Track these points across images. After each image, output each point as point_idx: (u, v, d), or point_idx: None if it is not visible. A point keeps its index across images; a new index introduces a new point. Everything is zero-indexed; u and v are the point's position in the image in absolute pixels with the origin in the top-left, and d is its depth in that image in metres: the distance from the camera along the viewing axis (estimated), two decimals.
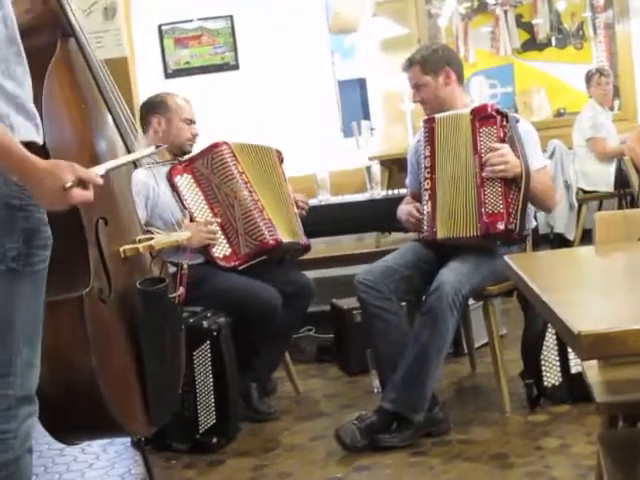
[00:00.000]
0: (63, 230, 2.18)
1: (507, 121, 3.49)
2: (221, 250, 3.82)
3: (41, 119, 2.08)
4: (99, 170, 2.16)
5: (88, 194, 2.04)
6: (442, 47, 3.93)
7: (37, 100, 2.17)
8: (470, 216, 3.50)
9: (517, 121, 3.55)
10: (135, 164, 2.80)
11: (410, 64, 3.79)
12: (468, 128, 3.53)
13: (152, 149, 2.56)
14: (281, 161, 4.14)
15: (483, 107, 3.57)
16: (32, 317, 2.03)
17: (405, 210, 3.83)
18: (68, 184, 1.94)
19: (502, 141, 3.47)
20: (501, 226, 3.43)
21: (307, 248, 4.13)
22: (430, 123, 3.67)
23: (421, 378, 3.35)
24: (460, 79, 3.80)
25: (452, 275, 3.38)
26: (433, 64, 3.74)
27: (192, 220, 3.78)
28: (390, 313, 3.50)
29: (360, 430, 3.33)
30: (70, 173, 1.97)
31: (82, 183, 2.01)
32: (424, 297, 3.49)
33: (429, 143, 3.65)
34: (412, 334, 3.42)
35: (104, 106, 2.64)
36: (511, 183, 3.44)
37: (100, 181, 2.11)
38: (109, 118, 2.66)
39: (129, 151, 2.70)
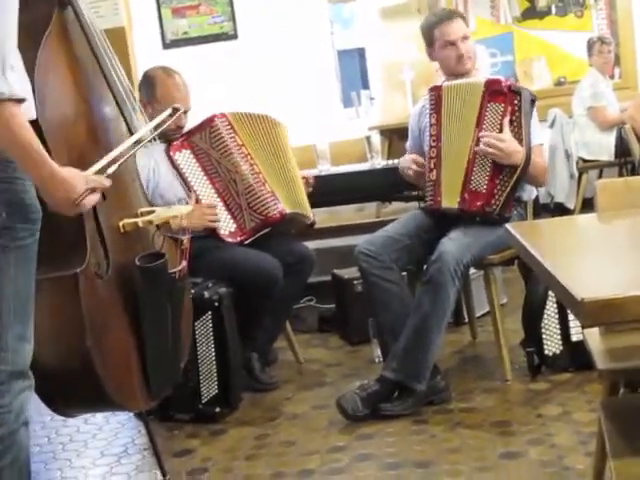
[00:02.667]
0: None
1: (520, 100, 3.43)
2: (226, 227, 3.81)
3: (34, 92, 2.07)
4: (109, 170, 2.27)
5: (95, 197, 2.17)
6: None
7: (31, 72, 2.16)
8: (456, 187, 3.51)
9: (533, 100, 3.48)
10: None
11: (453, 15, 3.78)
12: (478, 99, 3.50)
13: (150, 128, 2.58)
14: (283, 129, 4.09)
15: (497, 81, 3.52)
16: (22, 292, 2.02)
17: (408, 159, 3.82)
18: (79, 199, 2.08)
19: (510, 122, 3.43)
20: (478, 205, 3.46)
21: (312, 224, 4.12)
22: (437, 91, 3.64)
23: (422, 347, 3.36)
24: None
25: (453, 244, 3.38)
26: (467, 23, 3.76)
27: (197, 201, 3.75)
28: (391, 283, 3.51)
29: (362, 399, 3.35)
30: (83, 184, 2.09)
31: (91, 189, 2.13)
32: (425, 266, 3.49)
33: (435, 111, 3.63)
34: (413, 303, 3.42)
35: (102, 78, 2.60)
36: (504, 166, 3.44)
37: (108, 184, 2.24)
38: (107, 90, 2.62)
39: (127, 124, 2.67)
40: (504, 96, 3.45)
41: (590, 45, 6.68)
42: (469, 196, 3.49)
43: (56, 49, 2.44)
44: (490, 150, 3.41)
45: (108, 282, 2.47)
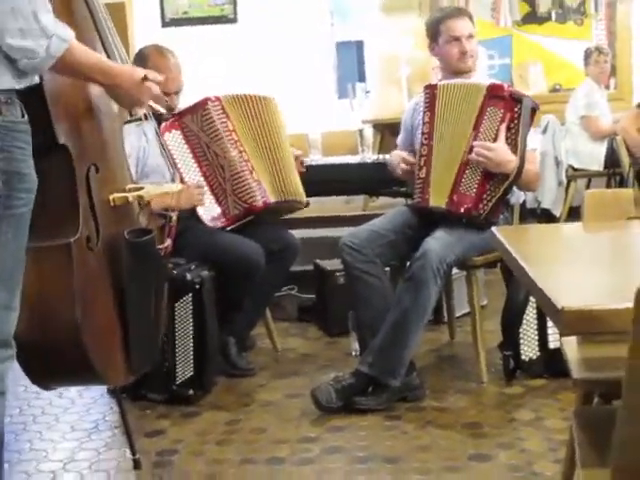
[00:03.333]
0: (54, 174, 2.17)
1: (520, 109, 3.41)
2: (210, 211, 3.81)
3: None
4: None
5: (154, 86, 2.44)
6: None
7: None
8: (447, 187, 3.51)
9: (534, 109, 3.47)
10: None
11: (461, 13, 3.79)
12: (478, 101, 3.49)
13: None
14: (275, 105, 4.06)
15: (499, 86, 3.51)
16: (11, 260, 2.01)
17: (398, 155, 3.81)
18: (144, 74, 2.38)
19: (507, 129, 3.41)
20: (465, 208, 3.46)
21: (305, 204, 4.11)
22: (432, 89, 3.63)
23: (400, 344, 3.37)
24: None
25: (438, 243, 3.39)
26: (473, 23, 3.75)
27: (182, 182, 3.74)
28: (373, 277, 3.51)
29: (336, 391, 3.35)
30: (138, 70, 2.41)
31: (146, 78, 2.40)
32: (408, 263, 3.49)
33: (429, 109, 3.62)
34: (394, 299, 3.43)
35: (102, 50, 2.60)
36: (496, 173, 3.44)
37: (161, 78, 2.51)
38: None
39: None
40: (505, 102, 3.44)
41: (587, 54, 6.69)
42: (457, 198, 3.49)
43: (60, 19, 2.44)
44: (480, 159, 3.41)
45: (98, 254, 2.47)
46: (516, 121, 3.42)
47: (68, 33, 2.02)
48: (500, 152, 3.39)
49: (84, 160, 2.43)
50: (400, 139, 4.00)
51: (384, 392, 3.38)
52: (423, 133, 3.62)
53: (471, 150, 3.45)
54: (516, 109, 3.42)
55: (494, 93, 3.47)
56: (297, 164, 4.09)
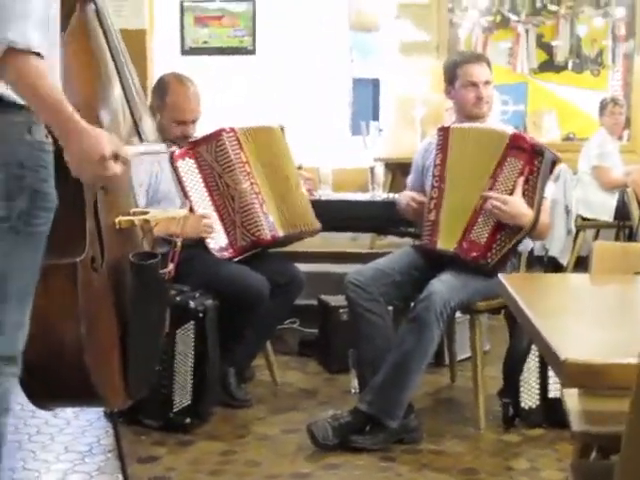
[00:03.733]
0: (63, 194, 2.17)
1: (541, 162, 3.40)
2: (217, 241, 3.81)
3: None
4: (129, 150, 2.22)
5: (119, 167, 2.07)
6: None
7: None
8: (457, 232, 3.51)
9: (554, 162, 3.44)
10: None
11: (479, 59, 3.80)
12: (499, 149, 3.48)
13: (164, 146, 2.60)
14: (284, 136, 4.09)
15: (522, 137, 3.51)
16: (27, 278, 2.03)
17: (407, 195, 3.81)
18: (107, 157, 1.99)
19: (525, 181, 3.40)
20: (473, 255, 3.46)
21: (317, 231, 4.11)
22: (445, 132, 3.64)
23: (400, 385, 3.35)
24: None
25: (443, 286, 3.38)
26: (491, 69, 3.77)
27: (191, 211, 3.75)
28: (377, 315, 3.50)
29: (333, 428, 3.33)
30: (109, 144, 2.02)
31: (115, 157, 2.05)
32: (412, 304, 3.48)
33: (441, 152, 3.62)
34: (396, 340, 3.42)
35: (116, 76, 2.63)
36: (509, 224, 3.44)
37: (129, 160, 2.17)
38: (119, 89, 2.64)
39: (136, 124, 2.68)
40: (526, 154, 3.42)
41: (603, 105, 6.71)
42: (467, 245, 3.48)
43: (76, 43, 2.48)
44: (495, 211, 3.41)
45: (102, 275, 2.48)
46: (535, 174, 3.41)
47: (29, 39, 1.86)
48: (515, 206, 3.38)
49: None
50: (410, 179, 4.01)
51: (381, 432, 3.36)
52: (434, 175, 3.62)
53: (486, 199, 3.45)
54: (536, 162, 3.40)
55: (516, 143, 3.45)
56: (306, 182, 4.10)
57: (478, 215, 3.49)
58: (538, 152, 3.42)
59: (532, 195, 3.40)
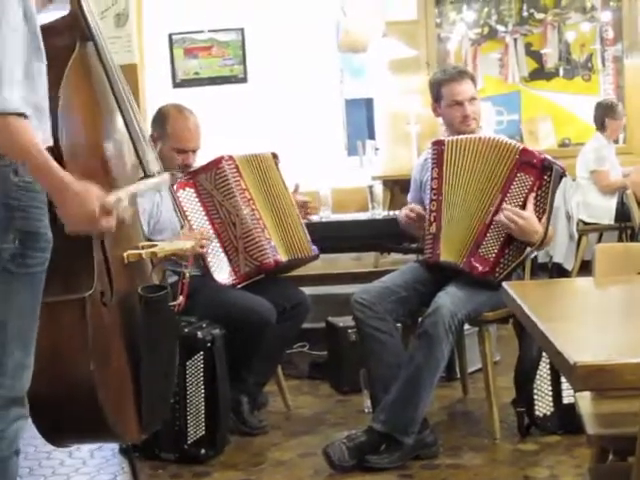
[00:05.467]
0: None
1: (550, 177, 3.39)
2: (220, 268, 3.81)
3: (56, 120, 2.10)
4: (121, 194, 2.24)
5: (112, 221, 2.11)
6: None
7: (53, 101, 2.20)
8: (463, 246, 3.51)
9: (562, 176, 3.43)
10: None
11: (461, 76, 3.77)
12: (508, 164, 3.46)
13: (167, 176, 2.61)
14: (277, 164, 4.11)
15: (532, 153, 3.47)
16: (26, 319, 2.03)
17: (405, 208, 3.82)
18: (97, 214, 2.03)
19: (535, 197, 3.38)
20: (481, 271, 3.46)
21: (315, 257, 4.12)
22: (440, 145, 3.64)
23: (413, 401, 3.34)
24: None
25: (449, 299, 3.38)
26: (475, 83, 3.76)
27: (190, 229, 3.76)
28: (385, 333, 3.50)
29: (349, 449, 3.32)
30: (97, 200, 2.05)
31: (107, 212, 2.08)
32: (420, 319, 3.48)
33: (437, 165, 3.62)
34: (406, 356, 3.41)
35: (118, 112, 2.64)
36: (517, 239, 3.44)
37: (126, 214, 2.23)
38: (122, 124, 2.66)
39: (139, 158, 2.69)
40: (536, 170, 3.40)
41: (611, 108, 6.65)
42: (475, 260, 3.47)
43: (77, 81, 2.50)
44: (511, 225, 3.39)
45: (111, 311, 2.50)
46: (545, 189, 3.40)
47: (10, 102, 1.89)
48: (531, 222, 3.38)
49: None
50: (410, 196, 4.01)
51: (397, 450, 3.35)
52: (432, 189, 3.62)
53: (496, 212, 3.45)
54: (545, 177, 3.39)
55: (526, 158, 3.43)
56: (303, 212, 4.10)
57: (487, 229, 3.47)
58: (547, 167, 3.40)
59: (542, 210, 3.40)
